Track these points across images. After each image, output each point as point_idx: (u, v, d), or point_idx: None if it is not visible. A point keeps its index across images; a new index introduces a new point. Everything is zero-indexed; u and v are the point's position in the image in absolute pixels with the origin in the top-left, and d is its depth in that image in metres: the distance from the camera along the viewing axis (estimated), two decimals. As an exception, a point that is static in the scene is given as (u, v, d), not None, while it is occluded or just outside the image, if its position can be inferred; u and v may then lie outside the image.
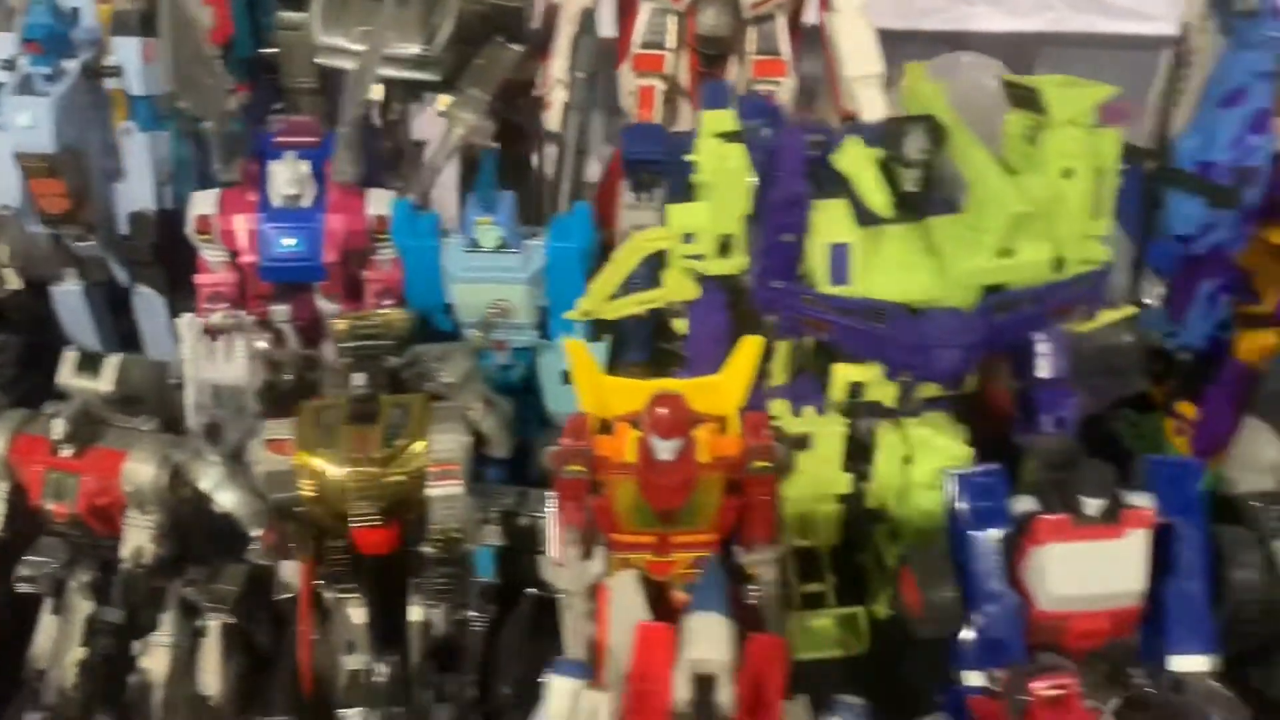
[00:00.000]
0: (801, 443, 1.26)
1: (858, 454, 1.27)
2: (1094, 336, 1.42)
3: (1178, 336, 1.24)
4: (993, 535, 1.00)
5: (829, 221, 1.07)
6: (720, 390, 1.12)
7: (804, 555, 1.32)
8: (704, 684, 0.85)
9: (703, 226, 1.10)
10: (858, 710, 0.90)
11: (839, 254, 1.05)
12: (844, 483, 1.27)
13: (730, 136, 1.07)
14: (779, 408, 1.25)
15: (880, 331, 1.05)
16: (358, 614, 1.20)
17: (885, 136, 1.09)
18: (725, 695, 0.85)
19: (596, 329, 1.37)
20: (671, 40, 1.56)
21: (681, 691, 0.85)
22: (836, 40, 1.55)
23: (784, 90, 1.57)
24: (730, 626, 0.87)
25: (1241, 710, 1.14)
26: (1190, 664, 1.00)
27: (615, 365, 1.40)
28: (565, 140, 1.51)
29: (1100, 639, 1.01)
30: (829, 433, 1.25)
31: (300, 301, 1.43)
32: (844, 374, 1.16)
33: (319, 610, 1.22)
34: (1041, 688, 0.87)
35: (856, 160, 1.07)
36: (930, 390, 1.16)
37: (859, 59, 1.53)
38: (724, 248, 1.12)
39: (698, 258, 1.12)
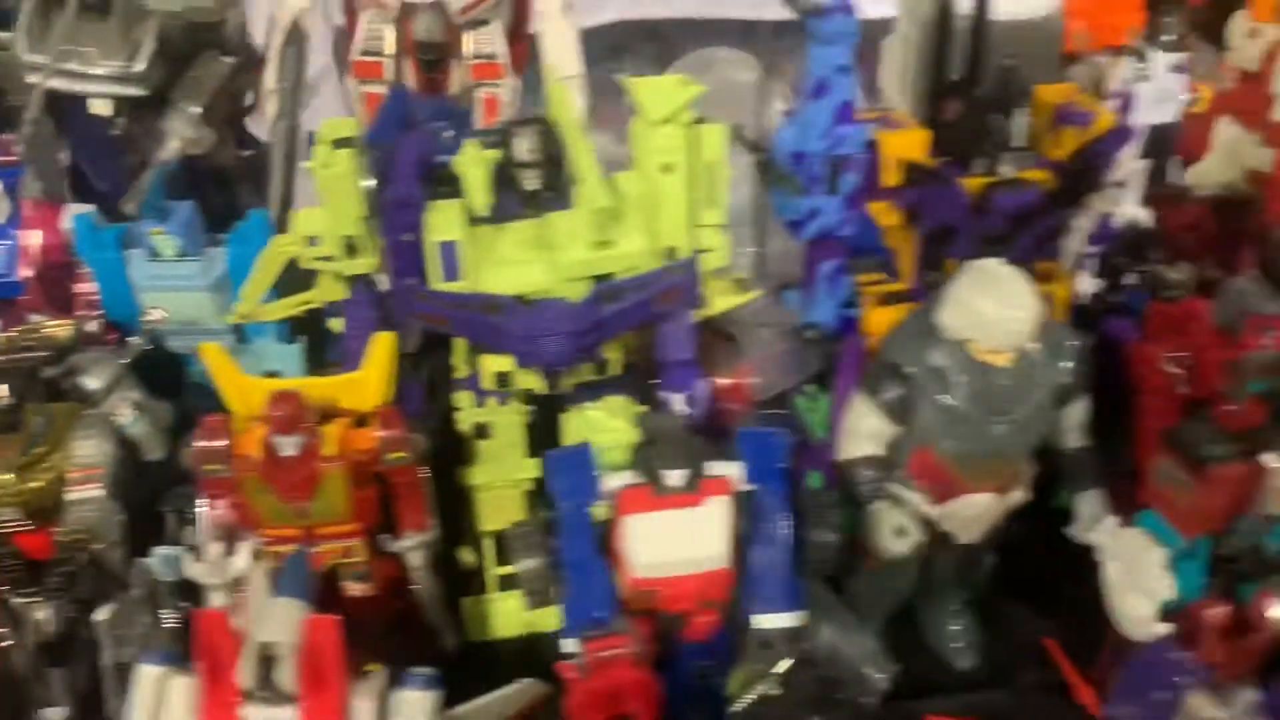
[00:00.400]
0: (483, 431, 1.33)
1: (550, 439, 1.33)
2: (782, 320, 1.51)
3: (806, 316, 1.32)
4: (582, 508, 1.06)
5: (440, 221, 1.12)
6: (362, 386, 1.18)
7: (500, 539, 1.39)
8: (267, 664, 0.90)
9: (324, 230, 1.16)
10: (426, 680, 0.95)
11: (448, 251, 1.11)
12: (530, 468, 1.33)
13: (341, 142, 1.13)
14: (463, 399, 1.31)
15: (495, 323, 1.11)
16: (44, 618, 1.24)
17: (499, 139, 1.16)
18: (287, 674, 0.90)
19: (291, 331, 1.42)
20: (390, 47, 1.61)
21: (247, 672, 0.90)
22: (541, 43, 1.62)
23: (505, 91, 1.63)
24: (303, 610, 0.92)
25: (890, 665, 1.23)
26: (773, 621, 1.07)
27: (320, 366, 1.45)
28: (273, 149, 1.56)
29: (692, 602, 1.08)
30: (508, 421, 1.32)
31: (12, 316, 1.46)
32: (490, 364, 1.22)
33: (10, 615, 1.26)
34: (593, 650, 0.93)
35: (469, 162, 1.13)
36: (573, 377, 1.23)
37: (559, 61, 1.59)
38: (352, 249, 1.17)
39: (327, 259, 1.18)
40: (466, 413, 1.31)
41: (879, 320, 1.26)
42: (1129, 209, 1.30)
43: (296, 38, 1.59)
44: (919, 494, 1.18)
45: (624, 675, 0.93)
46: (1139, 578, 1.10)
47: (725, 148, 1.17)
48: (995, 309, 1.07)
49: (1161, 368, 1.25)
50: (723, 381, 1.58)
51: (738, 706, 1.18)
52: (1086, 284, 1.36)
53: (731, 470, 1.07)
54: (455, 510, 1.37)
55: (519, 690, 1.02)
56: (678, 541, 1.05)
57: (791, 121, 1.21)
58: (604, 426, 1.28)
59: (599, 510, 1.07)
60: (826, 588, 1.31)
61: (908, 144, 1.18)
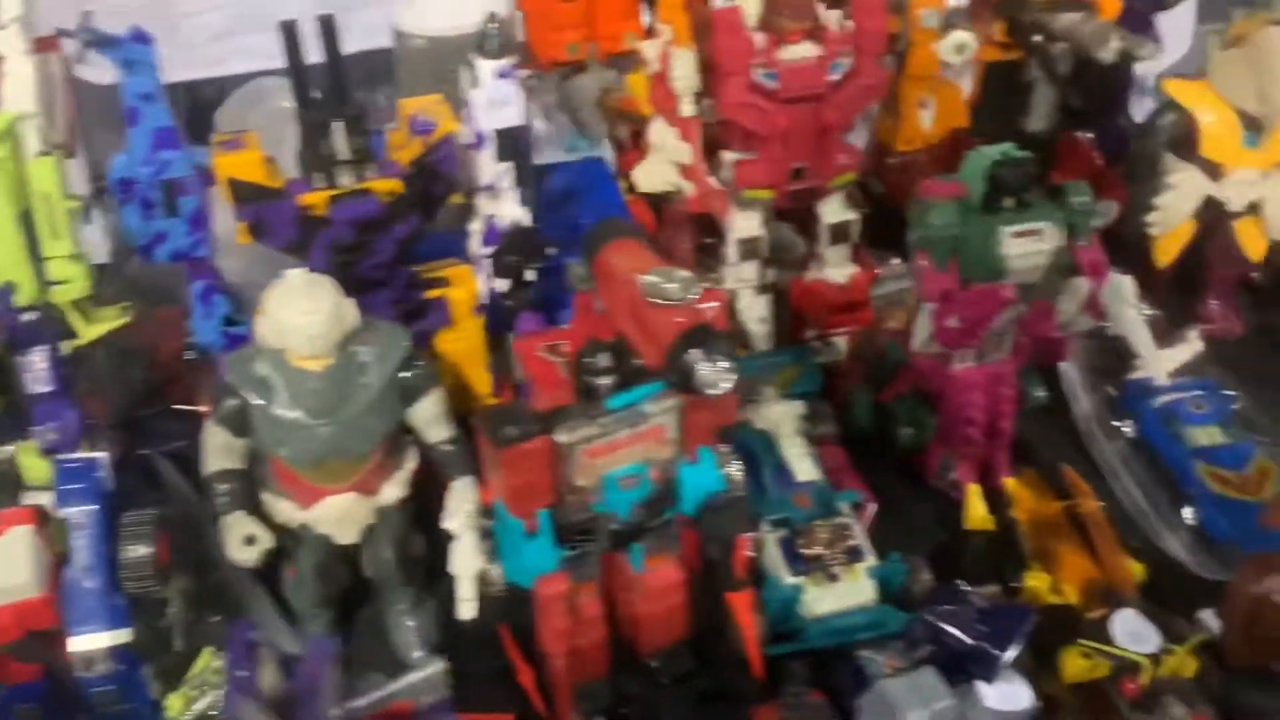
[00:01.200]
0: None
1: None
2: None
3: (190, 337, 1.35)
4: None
5: None
6: None
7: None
8: None
9: None
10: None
11: None
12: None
13: None
14: None
15: None
16: None
17: None
18: None
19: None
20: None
21: None
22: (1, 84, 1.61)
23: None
24: None
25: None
26: (88, 642, 1.09)
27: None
28: None
29: (14, 632, 1.09)
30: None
31: None
32: None
33: None
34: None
35: None
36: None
37: (16, 99, 1.59)
38: None
39: None
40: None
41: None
42: (509, 210, 1.36)
43: None
44: (286, 501, 1.21)
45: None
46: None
47: (57, 180, 1.19)
48: (294, 317, 1.11)
49: (539, 356, 1.31)
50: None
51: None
52: (493, 284, 1.41)
53: (40, 499, 1.09)
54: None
55: None
56: (-21, 573, 1.06)
57: (124, 149, 1.23)
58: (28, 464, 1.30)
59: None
60: (269, 598, 1.35)
61: (239, 164, 1.22)
